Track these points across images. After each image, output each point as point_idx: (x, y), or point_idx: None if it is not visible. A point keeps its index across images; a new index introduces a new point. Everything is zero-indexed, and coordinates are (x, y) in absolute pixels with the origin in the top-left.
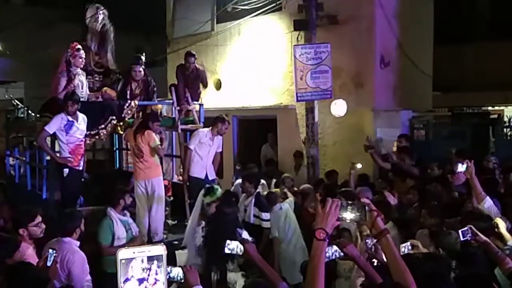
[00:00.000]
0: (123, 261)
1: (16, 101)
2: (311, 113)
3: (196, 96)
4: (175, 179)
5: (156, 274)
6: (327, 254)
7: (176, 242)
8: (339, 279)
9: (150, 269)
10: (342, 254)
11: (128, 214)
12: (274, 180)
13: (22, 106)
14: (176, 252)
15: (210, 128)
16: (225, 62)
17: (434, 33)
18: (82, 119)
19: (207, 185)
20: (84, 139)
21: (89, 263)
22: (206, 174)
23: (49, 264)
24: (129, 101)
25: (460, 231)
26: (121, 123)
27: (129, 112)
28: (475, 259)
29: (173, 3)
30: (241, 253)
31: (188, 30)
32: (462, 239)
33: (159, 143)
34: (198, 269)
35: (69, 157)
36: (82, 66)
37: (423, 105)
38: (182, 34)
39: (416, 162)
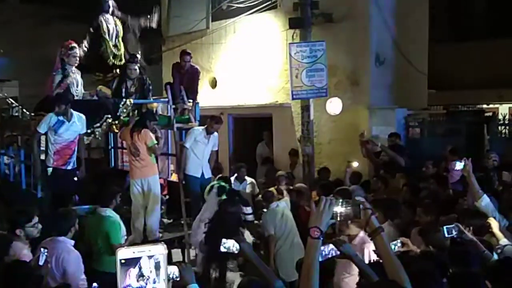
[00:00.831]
0: (123, 261)
1: (10, 99)
2: (306, 111)
3: (191, 95)
4: (171, 178)
5: (154, 282)
6: (324, 253)
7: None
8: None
9: (148, 277)
10: (338, 252)
11: None
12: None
13: (17, 104)
14: (172, 251)
15: (205, 126)
16: (220, 60)
17: (429, 31)
18: (77, 119)
19: (217, 185)
20: (76, 140)
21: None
22: (202, 173)
23: (41, 263)
24: (124, 100)
25: (445, 227)
26: (117, 122)
27: (125, 110)
28: (466, 256)
29: (168, 1)
30: (236, 252)
31: (183, 28)
32: (446, 235)
33: (156, 142)
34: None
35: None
36: (76, 64)
37: (418, 103)
38: (177, 32)
39: (410, 160)
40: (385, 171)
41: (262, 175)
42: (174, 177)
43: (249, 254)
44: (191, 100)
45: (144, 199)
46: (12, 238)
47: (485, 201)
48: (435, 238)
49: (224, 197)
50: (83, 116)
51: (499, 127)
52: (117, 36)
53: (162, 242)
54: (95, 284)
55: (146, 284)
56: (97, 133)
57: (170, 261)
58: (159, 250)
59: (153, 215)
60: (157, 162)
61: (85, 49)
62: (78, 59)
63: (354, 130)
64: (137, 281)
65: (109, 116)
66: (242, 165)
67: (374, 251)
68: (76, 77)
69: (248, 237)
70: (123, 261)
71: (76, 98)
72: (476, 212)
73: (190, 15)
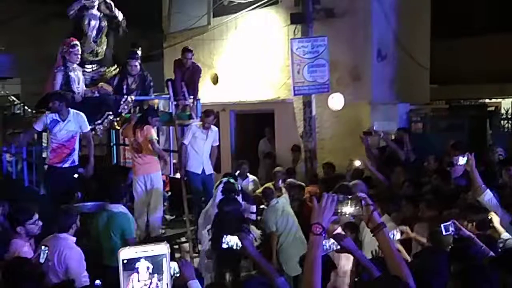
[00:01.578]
0: (125, 261)
1: (12, 97)
2: (308, 107)
3: (192, 91)
4: (173, 175)
5: (160, 264)
6: (325, 247)
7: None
8: None
9: (151, 282)
10: (339, 246)
11: None
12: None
13: (19, 102)
14: (175, 247)
15: (200, 123)
16: (221, 56)
17: (431, 26)
18: (73, 118)
19: (226, 180)
20: (74, 138)
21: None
22: (203, 169)
23: (41, 261)
24: (125, 96)
25: (442, 225)
26: (118, 118)
27: (126, 107)
28: (469, 251)
29: None
30: (238, 248)
31: (184, 24)
32: (444, 233)
33: (156, 138)
34: (210, 271)
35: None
36: (78, 62)
37: (420, 98)
38: (178, 28)
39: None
40: (385, 165)
41: (264, 171)
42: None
43: (250, 251)
44: (192, 97)
45: (146, 196)
46: (12, 236)
47: (487, 196)
48: (437, 234)
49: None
50: (82, 114)
51: (502, 122)
52: (99, 32)
53: (165, 242)
54: (97, 282)
55: (150, 284)
56: (98, 130)
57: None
58: (162, 250)
59: (155, 211)
60: (159, 159)
61: None
62: (79, 56)
63: (356, 125)
64: (140, 281)
65: (110, 112)
66: (244, 162)
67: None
68: (77, 74)
69: (255, 231)
70: (125, 261)
71: (78, 94)
72: (479, 207)
73: (191, 11)
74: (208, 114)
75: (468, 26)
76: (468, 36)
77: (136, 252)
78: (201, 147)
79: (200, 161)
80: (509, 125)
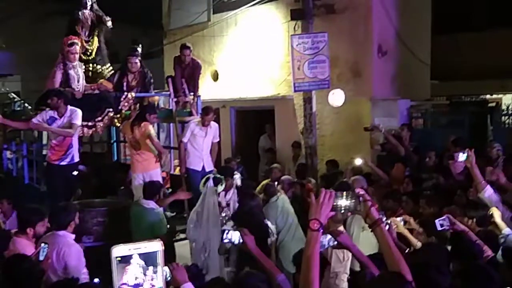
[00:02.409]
0: (119, 258)
1: (12, 94)
2: (308, 103)
3: (193, 88)
4: (173, 171)
5: (152, 279)
6: (322, 243)
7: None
8: None
9: (145, 274)
10: (336, 242)
11: None
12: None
13: (19, 99)
14: (175, 244)
15: (199, 119)
16: (222, 53)
17: (431, 21)
18: (70, 115)
19: (213, 176)
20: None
21: None
22: (203, 166)
23: (41, 258)
24: (125, 93)
25: (436, 220)
26: (118, 115)
27: (126, 104)
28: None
29: None
30: (238, 243)
31: (184, 21)
32: (439, 228)
33: (155, 133)
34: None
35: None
36: (75, 61)
37: (421, 94)
38: (178, 25)
39: (414, 151)
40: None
41: (265, 167)
42: (178, 171)
43: (251, 247)
44: (192, 94)
45: None
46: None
47: (488, 192)
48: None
49: (220, 188)
50: (78, 110)
51: (503, 117)
52: (91, 31)
53: (158, 239)
54: (96, 280)
55: (144, 281)
56: (98, 126)
57: (174, 255)
58: (155, 247)
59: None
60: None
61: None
62: (76, 55)
63: (356, 121)
64: (134, 278)
65: (111, 109)
66: (232, 159)
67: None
68: (77, 71)
69: (272, 227)
70: (119, 258)
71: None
72: (479, 203)
73: (191, 8)
74: (208, 112)
75: (468, 22)
76: (469, 31)
77: (129, 249)
78: (201, 144)
79: (200, 158)
80: (510, 121)
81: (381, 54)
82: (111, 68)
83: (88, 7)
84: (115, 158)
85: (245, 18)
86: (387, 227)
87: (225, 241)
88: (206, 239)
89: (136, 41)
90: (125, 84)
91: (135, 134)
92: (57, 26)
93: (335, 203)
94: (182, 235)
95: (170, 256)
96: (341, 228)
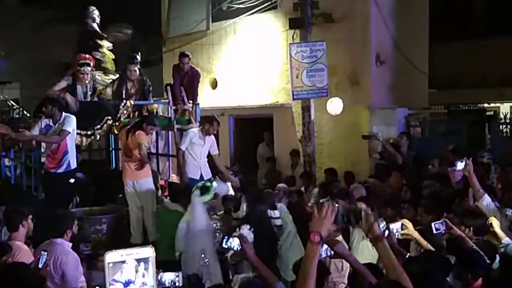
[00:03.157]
0: (111, 264)
1: (11, 101)
2: (307, 111)
3: (191, 96)
4: (171, 179)
5: (143, 276)
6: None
7: None
8: None
9: (137, 271)
10: (332, 252)
11: None
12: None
13: (18, 106)
14: None
15: (200, 127)
16: (220, 61)
17: (429, 30)
18: (64, 123)
19: (200, 185)
20: (66, 142)
21: None
22: (201, 174)
23: (40, 266)
24: (124, 101)
25: (433, 224)
26: (117, 123)
27: (125, 112)
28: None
29: (168, 2)
30: (237, 250)
31: (183, 29)
32: (435, 232)
33: (147, 144)
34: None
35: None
36: (85, 82)
37: (419, 103)
38: (177, 33)
39: (414, 160)
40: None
41: (263, 176)
42: (174, 178)
43: (250, 255)
44: (191, 102)
45: (138, 200)
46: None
47: (486, 201)
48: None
49: (207, 197)
50: (72, 117)
51: (500, 126)
52: (100, 47)
53: (150, 245)
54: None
55: (135, 278)
56: (97, 134)
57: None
58: (147, 253)
59: (150, 216)
60: (157, 163)
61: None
62: (87, 75)
63: (355, 130)
64: (126, 283)
65: (109, 117)
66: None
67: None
68: (85, 89)
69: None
70: (111, 264)
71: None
72: (476, 212)
73: (190, 16)
74: (212, 121)
75: (466, 31)
76: (467, 40)
77: (122, 255)
78: (198, 153)
79: (197, 166)
80: (508, 130)
81: (379, 63)
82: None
83: (97, 21)
84: (114, 165)
85: (244, 26)
86: (386, 232)
87: (224, 246)
88: (201, 248)
89: (135, 49)
90: (124, 92)
91: (129, 141)
92: (57, 34)
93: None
94: None
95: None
96: (340, 238)
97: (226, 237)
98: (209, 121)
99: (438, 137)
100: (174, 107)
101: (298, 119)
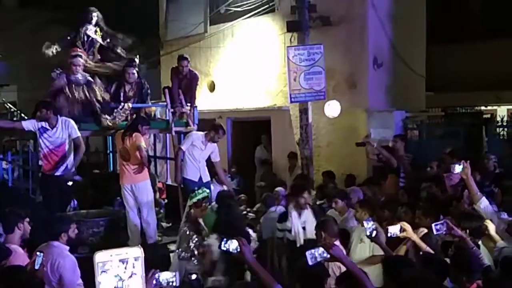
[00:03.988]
0: (100, 264)
1: (9, 104)
2: (304, 114)
3: (189, 99)
4: (169, 181)
5: (134, 267)
6: (314, 256)
7: (171, 246)
8: None
9: (127, 262)
10: (328, 255)
11: None
12: None
13: (15, 109)
14: (171, 254)
15: (205, 132)
16: (218, 64)
17: (426, 33)
18: (62, 125)
19: (196, 188)
20: (64, 145)
21: None
22: (200, 177)
23: (37, 267)
24: (122, 104)
25: (433, 225)
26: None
27: (123, 114)
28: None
29: (166, 5)
30: (236, 253)
31: (181, 32)
32: (435, 233)
33: (145, 146)
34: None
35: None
36: (77, 73)
37: (416, 105)
38: (175, 36)
39: (411, 163)
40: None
41: (260, 178)
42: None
43: (248, 257)
44: (189, 104)
45: (136, 204)
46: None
47: (483, 204)
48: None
49: (189, 201)
50: (70, 121)
51: (498, 129)
52: (92, 46)
53: (139, 245)
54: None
55: (122, 280)
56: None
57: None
58: (136, 253)
59: (148, 220)
60: (155, 166)
61: (55, 52)
62: (78, 68)
63: (352, 132)
64: (115, 282)
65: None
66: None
67: None
68: (80, 82)
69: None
70: (100, 264)
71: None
72: (472, 214)
73: (188, 19)
74: (218, 131)
75: (463, 33)
76: (464, 43)
77: (111, 255)
78: (197, 156)
79: (197, 168)
80: (505, 133)
81: (377, 65)
82: None
83: (93, 23)
84: (111, 168)
85: (241, 29)
86: (374, 233)
87: (223, 248)
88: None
89: (133, 52)
90: (122, 94)
91: (126, 144)
92: (54, 36)
93: None
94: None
95: (166, 268)
96: (337, 242)
97: (225, 239)
98: (215, 129)
99: (435, 139)
100: (172, 110)
101: (295, 122)
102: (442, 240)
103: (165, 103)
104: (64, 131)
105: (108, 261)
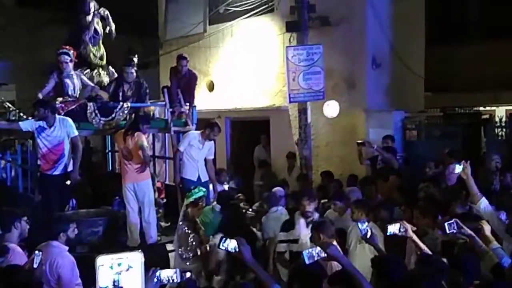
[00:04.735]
0: (102, 267)
1: (7, 103)
2: (303, 114)
3: (188, 99)
4: (168, 181)
5: (132, 281)
6: (311, 255)
7: (170, 245)
8: None
9: (126, 275)
10: (325, 254)
11: None
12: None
13: (14, 108)
14: (170, 254)
15: (200, 131)
16: (217, 64)
17: (425, 34)
18: (59, 124)
19: (192, 187)
20: (62, 144)
21: None
22: (199, 176)
23: (35, 266)
24: (121, 103)
25: (445, 223)
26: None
27: (122, 114)
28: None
29: (165, 4)
30: (234, 253)
31: (180, 31)
32: (448, 232)
33: (147, 145)
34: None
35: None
36: (66, 70)
37: (415, 106)
38: (174, 35)
39: (406, 162)
40: (376, 176)
41: (259, 178)
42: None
43: (247, 257)
44: (187, 104)
45: (137, 203)
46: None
47: (483, 204)
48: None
49: (191, 199)
50: (68, 119)
51: (496, 130)
52: (97, 37)
53: (139, 250)
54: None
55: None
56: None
57: (168, 265)
58: (136, 258)
59: (148, 219)
60: (154, 165)
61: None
62: (66, 64)
63: (351, 132)
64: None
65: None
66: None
67: None
68: (73, 80)
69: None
70: (101, 267)
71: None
72: (470, 215)
73: (187, 19)
74: (213, 128)
75: (462, 34)
76: (463, 44)
77: (112, 259)
78: (196, 156)
79: (195, 168)
80: (503, 133)
81: (375, 66)
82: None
83: (91, 13)
84: (110, 167)
85: (240, 29)
86: (368, 234)
87: (222, 248)
88: None
89: (132, 51)
90: (120, 94)
91: (128, 143)
92: (53, 35)
93: None
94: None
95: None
96: (334, 242)
97: (224, 238)
98: (210, 126)
99: (434, 140)
100: (170, 110)
101: (294, 122)
102: (442, 240)
103: (164, 103)
104: (62, 130)
105: (109, 264)
